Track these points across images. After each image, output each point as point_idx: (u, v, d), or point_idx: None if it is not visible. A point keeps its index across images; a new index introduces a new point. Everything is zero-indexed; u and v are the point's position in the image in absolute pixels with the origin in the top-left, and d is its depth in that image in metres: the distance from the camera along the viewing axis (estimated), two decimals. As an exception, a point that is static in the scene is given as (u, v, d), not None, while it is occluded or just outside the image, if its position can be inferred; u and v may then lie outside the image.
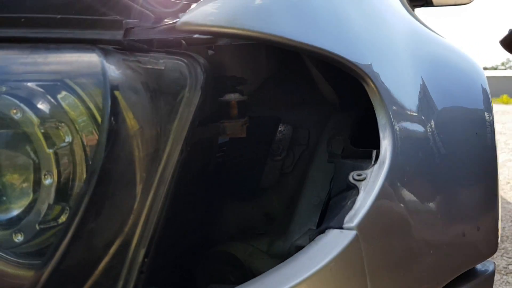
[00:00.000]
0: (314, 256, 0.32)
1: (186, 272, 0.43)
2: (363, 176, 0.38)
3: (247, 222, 0.49)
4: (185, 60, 0.36)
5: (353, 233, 0.33)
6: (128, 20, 0.40)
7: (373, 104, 0.42)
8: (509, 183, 3.60)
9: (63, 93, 0.32)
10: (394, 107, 0.42)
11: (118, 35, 0.33)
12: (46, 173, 0.32)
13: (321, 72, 0.46)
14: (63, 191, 0.32)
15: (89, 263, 0.31)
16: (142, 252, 0.32)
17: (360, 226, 0.34)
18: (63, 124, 0.32)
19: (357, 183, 0.38)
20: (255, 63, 0.55)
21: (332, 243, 0.32)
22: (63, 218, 0.31)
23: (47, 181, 0.32)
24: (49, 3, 0.40)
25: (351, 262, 0.32)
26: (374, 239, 0.34)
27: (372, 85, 0.42)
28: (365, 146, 0.44)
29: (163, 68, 0.35)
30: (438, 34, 0.76)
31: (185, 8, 0.50)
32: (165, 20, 0.45)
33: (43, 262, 0.28)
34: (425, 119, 0.43)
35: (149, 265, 0.33)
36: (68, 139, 0.32)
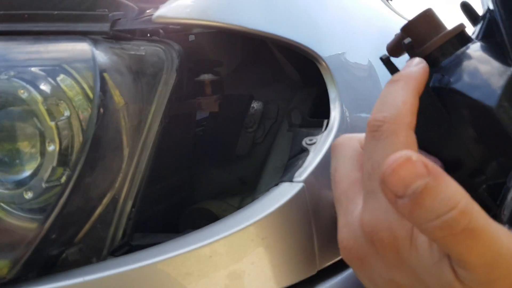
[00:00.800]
0: (266, 203, 0.39)
1: (170, 225, 0.51)
2: (314, 140, 0.46)
3: (223, 185, 0.57)
4: (162, 47, 0.43)
5: (300, 185, 0.41)
6: (114, 13, 0.47)
7: (325, 81, 0.49)
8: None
9: (61, 75, 0.40)
10: (343, 83, 0.50)
11: (105, 27, 0.41)
12: (50, 141, 0.39)
13: (283, 55, 0.54)
14: (64, 156, 0.39)
15: (86, 211, 0.38)
16: (129, 203, 0.40)
17: (307, 180, 0.41)
18: (62, 101, 0.40)
19: (308, 147, 0.45)
20: (231, 48, 0.63)
21: (282, 193, 0.40)
22: (64, 178, 0.39)
23: (51, 148, 0.39)
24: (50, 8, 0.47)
25: (298, 208, 0.40)
26: (318, 190, 0.42)
27: (324, 64, 0.49)
28: (322, 117, 0.51)
29: (143, 53, 0.43)
30: (400, 15, 0.84)
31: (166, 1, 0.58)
32: (147, 11, 0.53)
33: (50, 208, 0.36)
34: (369, 92, 0.50)
35: (136, 214, 0.41)
36: (66, 113, 0.40)
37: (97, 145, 0.38)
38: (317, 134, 0.47)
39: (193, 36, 0.57)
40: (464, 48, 0.36)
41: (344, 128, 0.47)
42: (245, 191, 0.55)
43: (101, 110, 0.38)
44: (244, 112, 0.59)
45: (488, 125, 0.33)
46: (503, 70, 0.34)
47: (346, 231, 0.34)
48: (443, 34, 0.37)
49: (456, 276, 0.28)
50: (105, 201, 0.39)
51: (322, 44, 0.50)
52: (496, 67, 0.34)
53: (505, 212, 0.30)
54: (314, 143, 0.45)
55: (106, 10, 0.49)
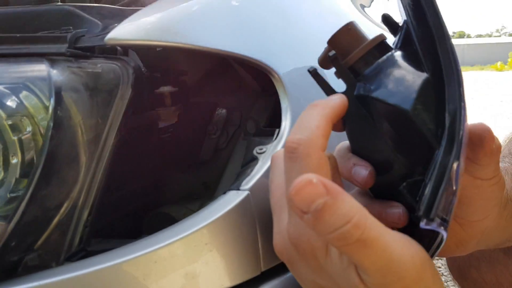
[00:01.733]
0: (214, 210, 0.43)
1: (134, 229, 0.54)
2: (264, 149, 0.49)
3: (188, 189, 0.60)
4: (118, 64, 0.46)
5: (245, 193, 0.44)
6: (78, 31, 0.50)
7: (278, 92, 0.52)
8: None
9: (24, 92, 0.43)
10: (295, 93, 0.53)
11: (62, 48, 0.43)
12: (13, 154, 0.42)
13: (242, 66, 0.57)
14: (26, 168, 0.42)
15: (45, 220, 0.41)
16: (86, 212, 0.43)
17: (253, 188, 0.44)
18: (24, 117, 0.43)
19: (258, 155, 0.48)
20: (196, 58, 0.65)
21: (228, 201, 0.43)
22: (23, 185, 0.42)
23: (14, 161, 0.42)
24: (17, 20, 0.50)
25: (243, 215, 0.43)
26: (263, 197, 0.45)
27: (276, 76, 0.52)
28: (277, 126, 0.54)
29: (100, 71, 0.45)
30: (375, 23, 0.86)
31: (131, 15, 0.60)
32: (110, 27, 0.55)
33: (10, 217, 0.39)
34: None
35: (93, 221, 0.44)
36: (28, 128, 0.43)
37: (54, 159, 0.41)
38: (268, 143, 0.50)
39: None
40: (384, 57, 0.40)
41: (293, 137, 0.50)
42: (206, 196, 0.58)
43: (58, 126, 0.41)
44: (208, 119, 0.63)
45: (406, 127, 0.36)
46: (418, 76, 0.37)
47: (278, 238, 0.38)
48: (364, 45, 0.40)
49: (360, 279, 0.33)
50: (63, 210, 0.42)
51: (275, 56, 0.53)
52: (411, 73, 0.37)
53: (421, 206, 0.32)
54: (263, 152, 0.48)
55: (71, 27, 0.52)
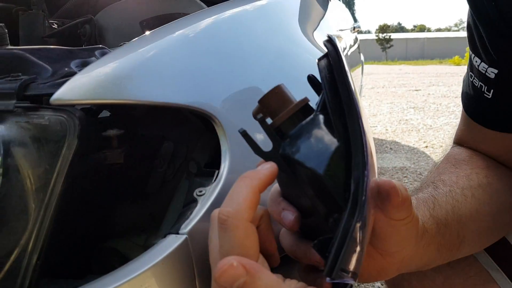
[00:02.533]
0: (153, 255, 0.47)
1: (81, 264, 0.58)
2: (203, 192, 0.53)
3: (134, 221, 0.64)
4: (65, 116, 0.49)
5: (183, 237, 0.48)
6: (26, 78, 0.53)
7: (219, 136, 0.57)
8: (441, 146, 3.88)
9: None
10: (234, 138, 0.57)
11: (10, 105, 0.46)
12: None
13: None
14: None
15: (-5, 267, 0.45)
16: (35, 257, 0.47)
17: (191, 232, 0.49)
18: (-27, 169, 0.46)
19: (198, 198, 0.53)
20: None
21: (168, 245, 0.48)
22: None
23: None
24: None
25: (181, 260, 0.47)
26: (201, 242, 0.50)
27: (218, 122, 0.56)
28: (219, 165, 0.59)
29: (47, 123, 0.49)
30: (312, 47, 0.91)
31: (79, 56, 0.63)
32: (59, 72, 0.58)
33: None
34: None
35: (41, 265, 0.47)
36: (-23, 180, 0.46)
37: (3, 211, 0.44)
38: (208, 184, 0.54)
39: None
40: (307, 119, 0.45)
41: (232, 179, 0.55)
42: (153, 227, 0.62)
43: (7, 179, 0.44)
44: (155, 153, 0.66)
45: (319, 187, 0.41)
46: (331, 142, 0.42)
47: None
48: (289, 108, 0.45)
49: None
50: (13, 257, 0.46)
51: (216, 103, 0.57)
52: (326, 139, 0.42)
53: (326, 265, 0.37)
54: (203, 195, 0.53)
55: (20, 74, 0.54)
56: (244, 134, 0.45)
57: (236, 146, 0.57)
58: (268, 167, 0.44)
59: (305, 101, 0.46)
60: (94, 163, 0.55)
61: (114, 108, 0.62)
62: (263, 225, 0.48)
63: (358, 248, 0.38)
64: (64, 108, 0.50)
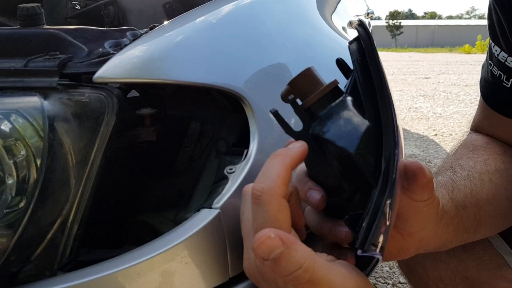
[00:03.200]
0: (187, 227, 0.49)
1: (116, 236, 0.61)
2: (233, 169, 0.56)
3: (163, 197, 0.67)
4: (103, 93, 0.51)
5: (216, 211, 0.51)
6: (64, 57, 0.55)
7: (248, 116, 0.59)
8: (451, 135, 3.88)
9: (19, 121, 0.48)
10: (262, 118, 0.59)
11: (54, 82, 0.49)
12: (9, 175, 0.48)
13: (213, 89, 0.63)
14: (21, 187, 0.48)
15: (40, 235, 0.47)
16: (75, 227, 0.49)
17: (223, 206, 0.51)
18: (18, 142, 0.48)
19: (228, 175, 0.55)
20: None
21: (201, 219, 0.50)
22: (21, 204, 0.48)
23: (10, 181, 0.48)
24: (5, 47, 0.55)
25: (213, 233, 0.50)
26: (233, 214, 0.52)
27: (247, 102, 0.58)
28: (247, 144, 0.61)
29: (87, 100, 0.51)
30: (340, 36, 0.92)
31: (112, 37, 0.65)
32: (95, 52, 0.60)
33: (11, 234, 0.45)
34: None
35: (81, 234, 0.50)
36: (23, 152, 0.48)
37: (49, 183, 0.46)
38: (237, 163, 0.57)
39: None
40: (336, 101, 0.46)
41: (260, 158, 0.57)
42: (181, 203, 0.64)
43: (52, 153, 0.47)
44: (183, 132, 0.69)
45: (350, 166, 0.43)
46: (361, 122, 0.44)
47: (247, 263, 0.46)
48: (319, 90, 0.46)
49: None
50: (56, 226, 0.48)
51: (246, 84, 0.59)
52: (357, 119, 0.44)
53: (358, 239, 0.40)
54: (233, 172, 0.55)
55: (58, 53, 0.56)
56: (276, 114, 0.47)
57: (264, 126, 0.59)
58: (299, 146, 0.46)
59: (334, 84, 0.48)
60: (128, 140, 0.58)
61: (143, 88, 0.64)
62: (293, 201, 0.50)
63: (387, 224, 0.40)
64: (103, 86, 0.52)
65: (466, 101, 5.35)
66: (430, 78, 7.93)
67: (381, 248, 0.39)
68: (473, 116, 0.83)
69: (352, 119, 0.44)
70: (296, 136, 0.47)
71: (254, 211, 0.43)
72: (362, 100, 0.45)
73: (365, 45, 0.46)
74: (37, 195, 0.46)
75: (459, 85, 6.88)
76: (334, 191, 0.47)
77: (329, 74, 0.50)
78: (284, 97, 0.50)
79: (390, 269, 1.76)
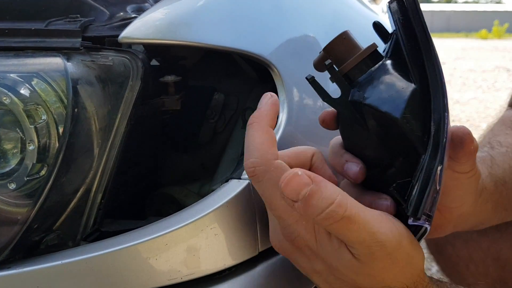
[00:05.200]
0: (218, 197, 0.47)
1: (137, 209, 0.58)
2: (262, 140, 0.53)
3: (186, 170, 0.64)
4: (128, 57, 0.49)
5: (246, 182, 0.48)
6: (85, 20, 0.52)
7: (276, 85, 0.56)
8: (468, 120, 3.81)
9: (40, 84, 0.46)
10: (292, 87, 0.56)
11: (77, 43, 0.46)
12: (30, 141, 0.45)
13: (240, 56, 0.60)
14: (42, 154, 0.45)
15: (63, 203, 0.45)
16: (99, 196, 0.47)
17: (252, 178, 0.49)
18: (40, 106, 0.46)
19: (257, 146, 0.52)
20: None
21: (231, 189, 0.47)
22: (43, 172, 0.45)
23: (31, 147, 0.45)
24: (24, 9, 0.52)
25: (243, 204, 0.47)
26: (263, 186, 0.49)
27: (276, 71, 0.55)
28: None
29: (111, 63, 0.48)
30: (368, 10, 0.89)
31: (134, 1, 0.62)
32: (117, 15, 0.58)
33: (33, 202, 0.43)
34: (316, 98, 0.57)
35: (106, 204, 0.48)
36: (44, 117, 0.46)
37: (72, 149, 0.44)
38: (266, 133, 0.54)
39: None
40: (376, 66, 0.44)
41: (290, 129, 0.54)
42: (205, 177, 0.62)
43: (75, 117, 0.45)
44: (206, 104, 0.66)
45: (395, 132, 0.41)
46: (406, 86, 0.41)
47: (274, 235, 0.44)
48: (357, 54, 0.44)
49: (351, 254, 0.39)
50: (79, 194, 0.46)
51: (275, 51, 0.56)
52: (401, 83, 0.42)
53: (409, 207, 0.37)
54: (262, 142, 0.52)
55: (79, 15, 0.54)
56: (312, 81, 0.44)
57: (293, 96, 0.56)
58: (266, 101, 0.44)
59: (373, 47, 0.45)
60: (152, 108, 0.55)
61: (165, 57, 0.61)
62: (316, 164, 0.47)
63: (438, 192, 0.38)
64: (127, 49, 0.50)
65: (484, 87, 5.25)
66: (446, 63, 7.80)
67: (429, 216, 0.37)
68: (509, 93, 0.80)
69: (396, 82, 0.42)
70: (335, 103, 0.44)
71: (259, 190, 0.41)
72: (405, 62, 0.42)
73: (407, 3, 0.43)
74: (60, 161, 0.44)
75: (476, 71, 6.76)
76: (374, 162, 0.44)
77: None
78: (318, 64, 0.47)
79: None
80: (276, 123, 0.54)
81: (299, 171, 0.36)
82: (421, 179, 0.37)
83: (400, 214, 0.43)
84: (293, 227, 0.40)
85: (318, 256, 0.41)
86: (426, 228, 0.38)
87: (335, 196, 0.37)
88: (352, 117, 0.43)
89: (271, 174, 0.40)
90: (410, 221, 0.36)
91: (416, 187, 0.37)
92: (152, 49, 0.55)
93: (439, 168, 0.37)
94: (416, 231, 0.40)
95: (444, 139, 0.37)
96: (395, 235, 0.39)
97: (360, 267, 0.39)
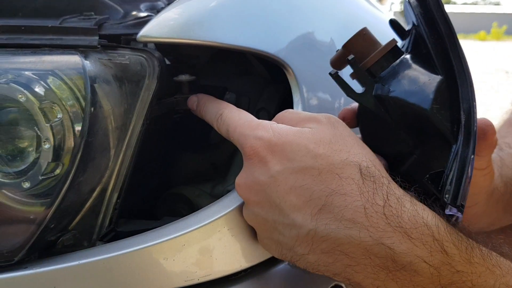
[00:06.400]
0: (233, 199, 0.46)
1: (149, 209, 0.58)
2: (277, 140, 0.53)
3: (198, 170, 0.64)
4: (144, 56, 0.48)
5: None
6: (100, 18, 0.52)
7: (291, 85, 0.56)
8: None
9: (55, 82, 0.45)
10: (307, 87, 0.56)
11: (94, 41, 0.45)
12: (45, 140, 0.45)
13: (253, 55, 0.59)
14: (57, 153, 0.45)
15: (79, 203, 0.45)
16: (115, 196, 0.47)
17: (268, 178, 0.48)
18: (56, 104, 0.45)
19: (272, 146, 0.52)
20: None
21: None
22: (57, 171, 0.45)
23: (46, 146, 0.45)
24: (37, 6, 0.52)
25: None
26: (278, 187, 0.49)
27: (290, 71, 0.55)
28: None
29: (128, 62, 0.48)
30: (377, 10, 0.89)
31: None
32: (132, 14, 0.57)
33: (50, 202, 0.42)
34: (332, 95, 0.57)
35: (121, 204, 0.47)
36: (60, 115, 0.45)
37: (89, 149, 0.44)
38: (280, 134, 0.53)
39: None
40: (397, 60, 0.44)
41: (304, 129, 0.54)
42: (216, 177, 0.62)
43: (93, 116, 0.44)
44: (218, 103, 0.65)
45: (424, 124, 0.41)
46: (432, 77, 0.41)
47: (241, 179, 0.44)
48: (379, 50, 0.44)
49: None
50: (95, 194, 0.46)
51: (289, 51, 0.56)
52: (426, 75, 0.42)
53: (447, 195, 0.37)
54: (277, 143, 0.52)
55: (93, 13, 0.53)
56: (336, 76, 0.45)
57: (307, 96, 0.56)
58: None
59: (394, 43, 0.45)
60: (166, 107, 0.55)
61: (176, 56, 0.61)
62: None
63: (469, 181, 0.38)
64: (144, 48, 0.49)
65: (483, 89, 5.27)
66: (444, 65, 7.80)
67: (462, 206, 0.37)
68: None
69: (421, 75, 0.42)
70: (359, 98, 0.45)
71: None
72: (427, 55, 0.43)
73: None
74: (78, 161, 0.43)
75: (475, 72, 6.77)
76: (398, 158, 0.44)
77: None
78: (337, 61, 0.48)
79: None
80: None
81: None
82: (456, 168, 0.37)
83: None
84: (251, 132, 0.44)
85: (274, 152, 0.41)
86: (458, 217, 0.38)
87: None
88: (377, 113, 0.44)
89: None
90: (447, 211, 0.36)
91: (451, 176, 0.37)
92: (164, 48, 0.55)
93: (472, 156, 0.37)
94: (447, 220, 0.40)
95: (475, 128, 0.38)
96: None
97: (315, 133, 0.42)
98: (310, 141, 0.40)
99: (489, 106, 4.31)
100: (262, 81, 0.65)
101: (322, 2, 0.68)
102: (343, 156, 0.39)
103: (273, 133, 0.42)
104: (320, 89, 0.57)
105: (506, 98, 4.48)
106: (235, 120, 0.46)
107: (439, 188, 0.39)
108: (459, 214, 0.37)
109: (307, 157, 0.40)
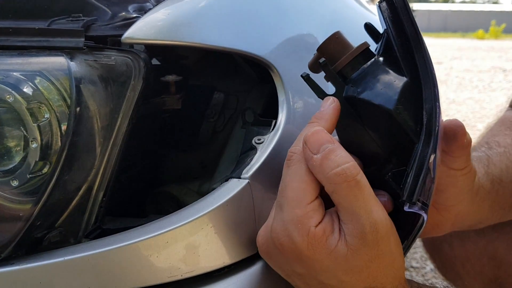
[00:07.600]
0: (218, 196, 0.48)
1: (138, 207, 0.59)
2: (262, 140, 0.54)
3: (186, 168, 0.65)
4: (130, 57, 0.49)
5: (246, 181, 0.49)
6: (88, 19, 0.53)
7: (276, 85, 0.57)
8: (464, 120, 3.83)
9: (43, 83, 0.46)
10: (292, 88, 0.57)
11: (80, 42, 0.46)
12: (33, 139, 0.46)
13: (240, 57, 0.60)
14: (45, 152, 0.46)
15: (66, 201, 0.46)
16: (101, 194, 0.48)
17: (252, 176, 0.49)
18: (43, 105, 0.46)
19: (257, 145, 0.53)
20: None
21: (230, 188, 0.48)
22: (45, 170, 0.46)
23: (34, 145, 0.46)
24: (26, 8, 0.53)
25: (243, 202, 0.48)
26: (262, 186, 0.50)
27: (275, 71, 0.56)
28: (272, 115, 0.59)
29: (114, 63, 0.49)
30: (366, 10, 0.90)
31: (136, 0, 0.63)
32: (119, 15, 0.58)
33: (36, 200, 0.43)
34: (316, 99, 0.58)
35: (108, 202, 0.49)
36: (47, 115, 0.46)
37: (75, 147, 0.45)
38: (265, 133, 0.55)
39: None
40: (368, 63, 0.45)
41: (290, 129, 0.55)
42: (204, 175, 0.63)
43: (78, 116, 0.45)
44: (206, 103, 0.67)
45: (389, 124, 0.42)
46: (398, 79, 0.43)
47: (263, 232, 0.45)
48: (350, 52, 0.45)
49: (347, 247, 0.39)
50: (81, 192, 0.47)
51: (274, 52, 0.57)
52: (393, 77, 0.43)
53: (404, 192, 0.39)
54: (261, 142, 0.53)
55: (81, 15, 0.54)
56: (307, 78, 0.46)
57: (292, 96, 0.57)
58: (330, 103, 0.45)
59: (365, 45, 0.46)
60: (153, 107, 0.56)
61: (165, 56, 0.62)
62: None
63: (432, 180, 0.39)
64: (129, 49, 0.50)
65: (480, 87, 5.28)
66: (442, 63, 7.82)
67: (425, 205, 0.38)
68: (510, 93, 0.81)
69: (388, 77, 0.43)
70: None
71: (285, 174, 0.43)
72: (396, 57, 0.44)
73: (397, 1, 0.44)
74: (63, 159, 0.44)
75: (472, 70, 6.78)
76: (370, 159, 0.45)
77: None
78: (313, 65, 0.49)
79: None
80: (276, 123, 0.55)
81: (323, 129, 0.41)
82: (415, 166, 0.38)
83: (397, 210, 0.44)
84: (287, 224, 0.41)
85: (303, 260, 0.41)
86: (424, 218, 0.39)
87: (351, 159, 0.40)
88: (347, 113, 0.45)
89: (300, 166, 0.42)
90: (406, 208, 0.37)
91: (410, 174, 0.38)
92: (153, 49, 0.56)
93: (432, 156, 0.38)
94: (413, 224, 0.41)
95: (436, 128, 0.39)
96: (387, 223, 0.40)
97: (350, 260, 0.40)
98: (340, 268, 0.41)
99: (486, 104, 4.32)
100: (250, 81, 0.66)
101: (309, 4, 0.69)
102: (366, 284, 0.41)
103: (307, 244, 0.41)
104: (305, 89, 0.57)
105: (503, 97, 4.48)
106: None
107: (401, 186, 0.40)
108: (422, 213, 0.38)
109: (333, 281, 0.42)
